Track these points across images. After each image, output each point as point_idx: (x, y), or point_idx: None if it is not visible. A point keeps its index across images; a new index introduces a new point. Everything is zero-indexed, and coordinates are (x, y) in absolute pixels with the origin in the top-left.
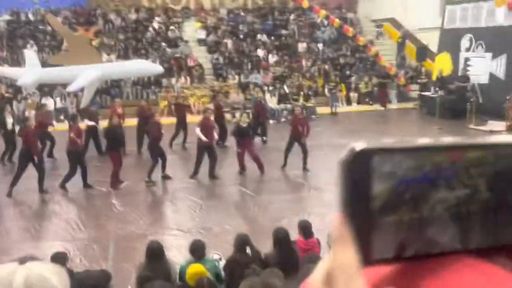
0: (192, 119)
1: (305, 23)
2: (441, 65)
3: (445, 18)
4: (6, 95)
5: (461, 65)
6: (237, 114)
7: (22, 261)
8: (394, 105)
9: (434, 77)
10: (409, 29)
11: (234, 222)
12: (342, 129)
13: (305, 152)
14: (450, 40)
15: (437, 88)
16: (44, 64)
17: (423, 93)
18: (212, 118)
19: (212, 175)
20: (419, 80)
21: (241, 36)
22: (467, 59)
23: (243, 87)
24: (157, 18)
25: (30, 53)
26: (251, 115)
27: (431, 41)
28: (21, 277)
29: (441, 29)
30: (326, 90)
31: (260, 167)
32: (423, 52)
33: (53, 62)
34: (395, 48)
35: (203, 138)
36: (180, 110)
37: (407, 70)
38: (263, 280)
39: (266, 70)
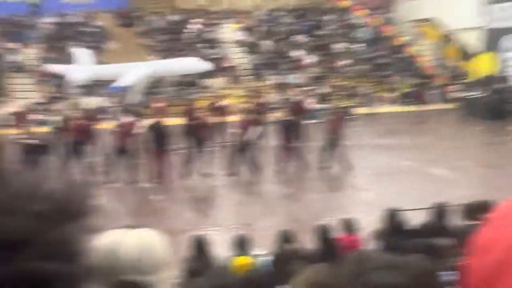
0: (230, 119)
1: (343, 24)
2: (482, 65)
3: (487, 18)
4: (52, 95)
5: (503, 65)
6: (276, 115)
7: (130, 227)
8: (433, 106)
9: (473, 78)
10: (448, 29)
11: (274, 219)
12: (381, 130)
13: (341, 151)
14: (492, 40)
15: (477, 89)
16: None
17: (463, 94)
18: (250, 117)
19: (253, 171)
20: (458, 81)
21: (279, 37)
22: (509, 59)
23: (281, 87)
24: (196, 20)
25: (82, 51)
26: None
27: (471, 41)
28: (130, 241)
29: (483, 29)
30: (363, 91)
31: (302, 164)
32: (463, 52)
33: (102, 59)
34: (434, 48)
35: (237, 135)
36: (218, 112)
37: (446, 71)
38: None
39: (304, 71)
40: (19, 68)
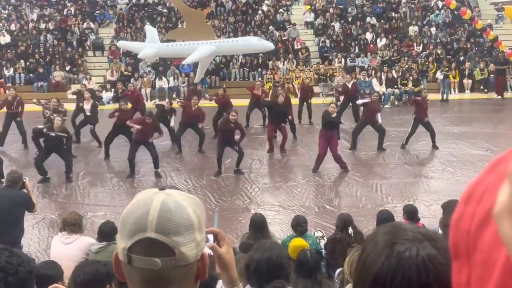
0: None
1: (417, 6)
2: None
3: None
4: (125, 73)
5: None
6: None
7: (162, 187)
8: None
9: None
10: None
11: (335, 203)
12: (454, 117)
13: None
14: None
15: None
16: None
17: None
18: None
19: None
20: None
21: (350, 19)
22: None
23: (349, 70)
24: (266, 1)
25: (151, 29)
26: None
27: None
28: (159, 200)
29: None
30: (438, 76)
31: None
32: None
33: (169, 38)
34: None
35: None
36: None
37: None
38: None
39: (374, 54)
40: (96, 47)
